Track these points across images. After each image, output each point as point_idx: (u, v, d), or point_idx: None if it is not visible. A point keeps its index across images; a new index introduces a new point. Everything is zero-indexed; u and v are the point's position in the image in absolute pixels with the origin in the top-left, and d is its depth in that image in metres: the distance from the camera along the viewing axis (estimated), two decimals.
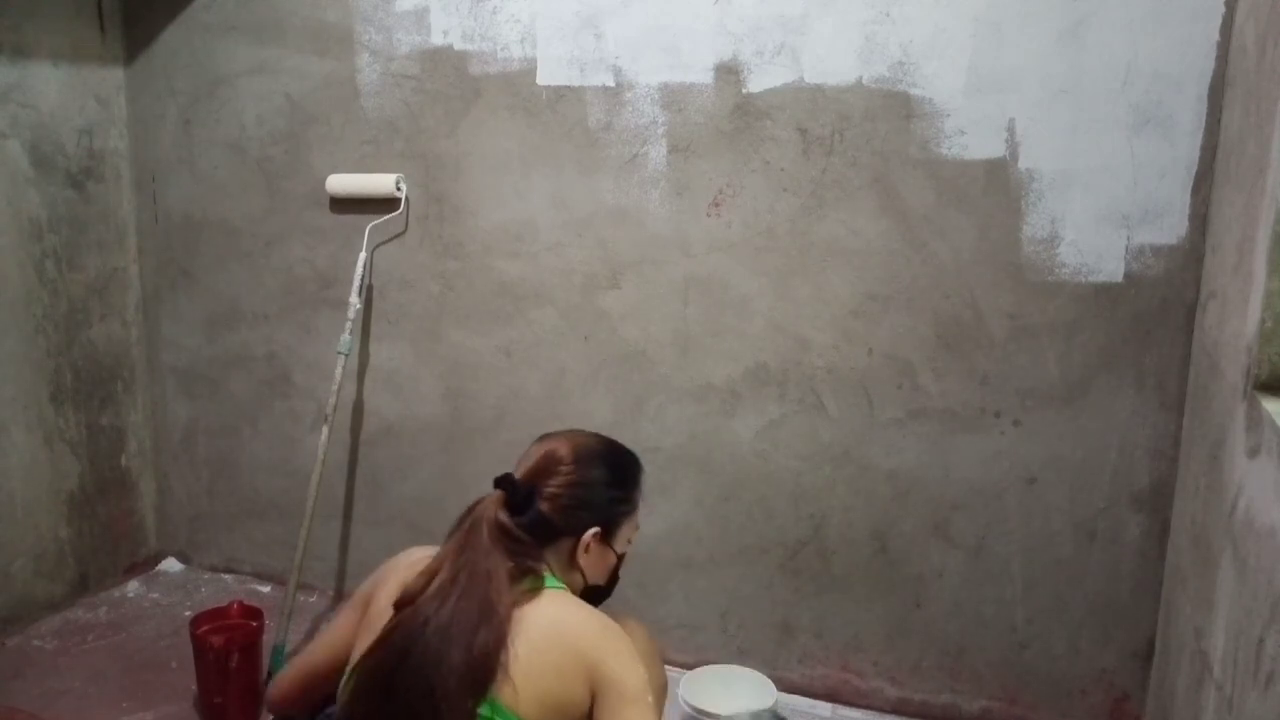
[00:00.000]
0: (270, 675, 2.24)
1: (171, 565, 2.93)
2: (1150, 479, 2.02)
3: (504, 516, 1.37)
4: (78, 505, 2.71)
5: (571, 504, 1.42)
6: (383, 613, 1.36)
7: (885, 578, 2.23)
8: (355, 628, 1.43)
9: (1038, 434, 2.08)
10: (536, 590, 1.34)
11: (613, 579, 1.54)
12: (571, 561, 1.45)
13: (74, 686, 2.29)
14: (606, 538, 1.48)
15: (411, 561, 1.42)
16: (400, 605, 1.33)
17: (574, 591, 1.43)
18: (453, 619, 1.28)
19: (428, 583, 1.33)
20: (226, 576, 2.88)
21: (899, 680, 2.27)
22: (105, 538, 2.80)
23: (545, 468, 1.43)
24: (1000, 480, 2.12)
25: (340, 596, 2.76)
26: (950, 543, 2.17)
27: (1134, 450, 2.02)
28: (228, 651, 2.10)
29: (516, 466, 1.47)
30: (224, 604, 2.27)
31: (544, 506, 1.40)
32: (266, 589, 2.77)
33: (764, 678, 2.11)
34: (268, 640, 2.25)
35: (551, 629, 1.31)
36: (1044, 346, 2.05)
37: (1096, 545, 2.07)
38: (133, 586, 2.81)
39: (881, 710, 2.27)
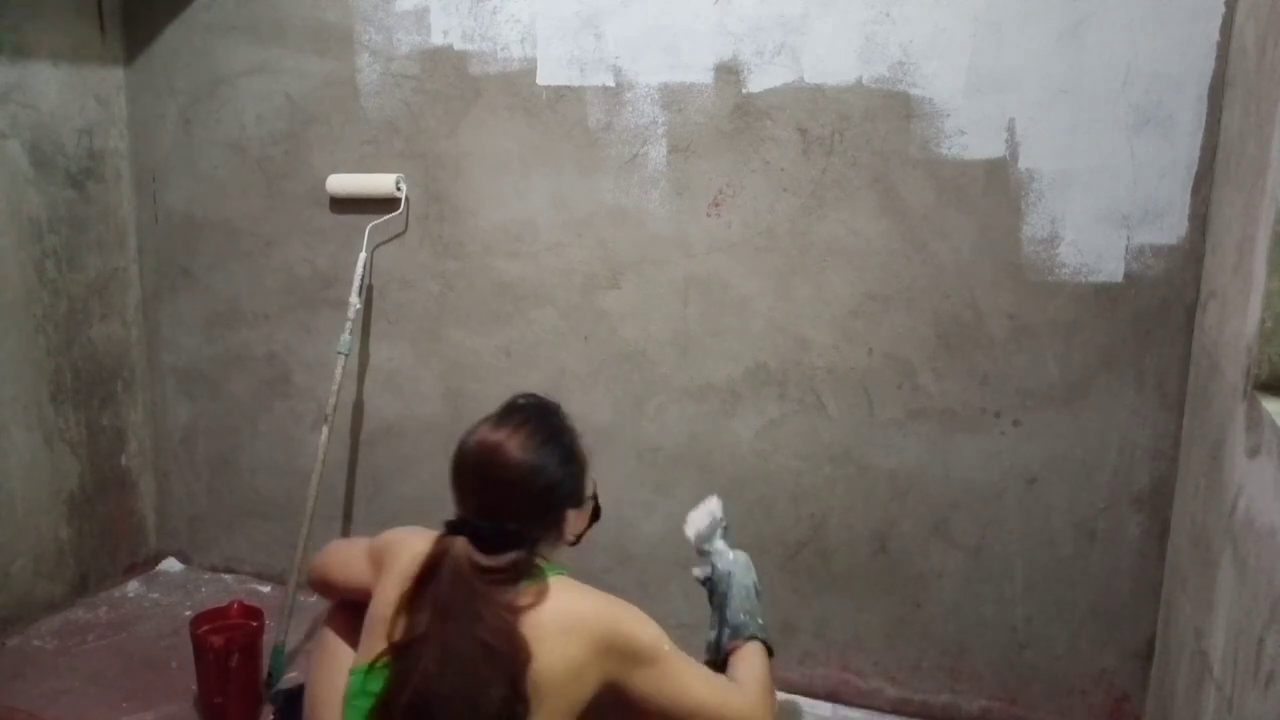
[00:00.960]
0: (271, 675, 2.24)
1: (171, 565, 2.93)
2: (1150, 479, 2.02)
3: (481, 558, 1.30)
4: (78, 505, 2.71)
5: (541, 508, 1.38)
6: (383, 619, 1.31)
7: (885, 578, 2.23)
8: (369, 582, 1.40)
9: (1038, 434, 2.08)
10: (543, 587, 1.32)
11: (595, 517, 1.52)
12: (558, 540, 1.44)
13: (74, 686, 2.29)
14: (578, 505, 1.46)
15: (412, 556, 1.35)
16: (396, 651, 1.29)
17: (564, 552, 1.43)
18: (465, 680, 1.24)
19: (422, 646, 1.27)
20: (226, 576, 2.87)
21: (899, 680, 2.27)
22: (105, 538, 2.80)
23: (498, 491, 1.35)
24: (1000, 480, 2.12)
25: None
26: (950, 543, 2.17)
27: (1134, 450, 2.02)
28: (228, 651, 2.10)
29: (459, 498, 1.39)
30: (224, 604, 2.27)
31: (514, 527, 1.34)
32: (266, 589, 2.77)
33: None
34: (268, 640, 2.24)
35: (564, 622, 1.30)
36: (1044, 346, 2.05)
37: (1096, 545, 2.07)
38: (133, 586, 2.81)
39: (881, 710, 2.27)
